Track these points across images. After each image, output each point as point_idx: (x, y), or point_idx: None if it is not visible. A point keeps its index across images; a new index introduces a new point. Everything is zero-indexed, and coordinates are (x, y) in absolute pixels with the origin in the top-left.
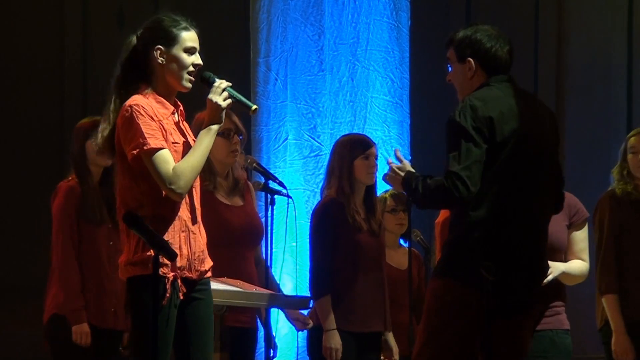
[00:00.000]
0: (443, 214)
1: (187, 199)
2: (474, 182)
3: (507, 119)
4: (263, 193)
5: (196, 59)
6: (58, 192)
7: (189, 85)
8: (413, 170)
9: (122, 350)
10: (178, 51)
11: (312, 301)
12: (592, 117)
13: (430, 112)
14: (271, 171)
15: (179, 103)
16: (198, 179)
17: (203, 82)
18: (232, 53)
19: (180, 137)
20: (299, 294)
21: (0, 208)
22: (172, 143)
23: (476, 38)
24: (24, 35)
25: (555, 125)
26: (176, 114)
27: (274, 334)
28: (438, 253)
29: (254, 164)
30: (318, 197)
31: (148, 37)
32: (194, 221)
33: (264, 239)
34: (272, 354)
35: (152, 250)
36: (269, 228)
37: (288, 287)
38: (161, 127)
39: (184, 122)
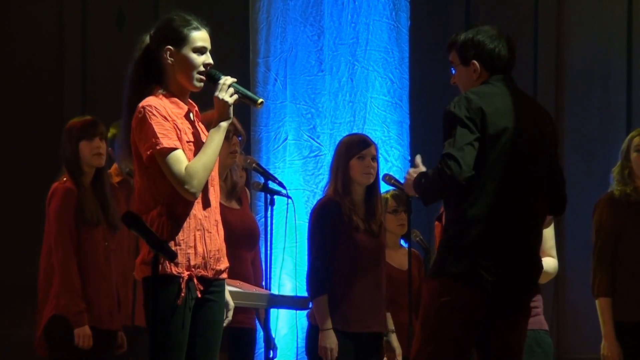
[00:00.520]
0: (424, 206)
1: (202, 197)
2: (466, 162)
3: (500, 115)
4: (263, 193)
5: (207, 58)
6: (55, 194)
7: (200, 84)
8: (423, 169)
9: (115, 349)
10: (188, 51)
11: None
12: (591, 117)
13: (429, 112)
14: (271, 171)
15: (194, 104)
16: (217, 179)
17: (208, 80)
18: (231, 53)
19: (195, 136)
20: (298, 294)
21: (0, 208)
22: (187, 142)
23: (478, 40)
24: (24, 36)
25: (553, 127)
26: (191, 114)
27: (274, 335)
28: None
29: (254, 165)
30: (318, 198)
31: (159, 37)
32: (210, 220)
33: (263, 239)
34: (271, 355)
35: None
36: (269, 228)
37: (287, 288)
38: (175, 126)
39: (200, 123)
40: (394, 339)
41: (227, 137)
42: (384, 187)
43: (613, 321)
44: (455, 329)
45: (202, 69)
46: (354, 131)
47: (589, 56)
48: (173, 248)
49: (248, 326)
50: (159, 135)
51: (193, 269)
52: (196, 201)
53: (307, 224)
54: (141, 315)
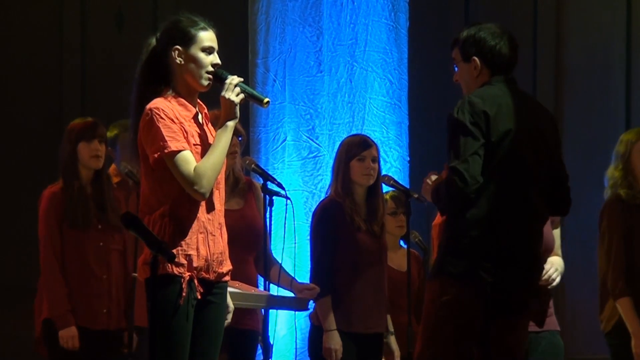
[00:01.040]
0: (440, 216)
1: (209, 199)
2: (472, 174)
3: (503, 117)
4: (262, 194)
5: (214, 58)
6: (42, 198)
7: (208, 84)
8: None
9: (125, 350)
10: (196, 51)
11: (311, 302)
12: (590, 117)
13: (428, 113)
14: (269, 172)
15: (203, 105)
16: (223, 182)
17: (215, 79)
18: (230, 54)
19: (203, 139)
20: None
21: (0, 209)
22: (194, 145)
23: (480, 37)
24: (23, 36)
25: (555, 127)
26: (200, 116)
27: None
28: (435, 254)
29: (253, 165)
30: (317, 199)
31: (166, 38)
32: (214, 223)
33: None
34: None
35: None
36: (268, 229)
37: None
38: (182, 129)
39: (209, 125)
40: (392, 341)
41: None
42: (383, 188)
43: (638, 318)
44: (456, 328)
45: (210, 68)
46: (353, 132)
47: (588, 56)
48: (175, 249)
49: (249, 327)
50: (166, 138)
51: (195, 271)
52: (200, 204)
53: (306, 224)
54: (142, 316)
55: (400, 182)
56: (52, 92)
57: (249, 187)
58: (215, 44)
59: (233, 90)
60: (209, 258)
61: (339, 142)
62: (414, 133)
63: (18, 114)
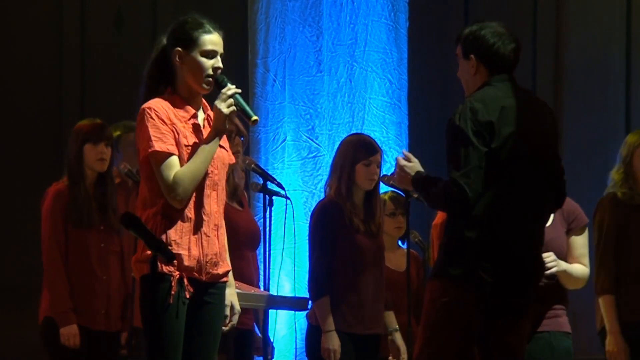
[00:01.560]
0: (440, 216)
1: (201, 200)
2: (473, 188)
3: (505, 121)
4: (261, 194)
5: (216, 62)
6: (47, 196)
7: (208, 87)
8: (422, 170)
9: (122, 351)
10: (196, 54)
11: (310, 302)
12: (590, 117)
13: (428, 113)
14: (269, 172)
15: (208, 106)
16: (222, 184)
17: (215, 84)
18: (230, 54)
19: (197, 140)
20: (297, 295)
21: (0, 209)
22: (185, 146)
23: (480, 35)
24: (23, 36)
25: (554, 122)
26: (201, 117)
27: (272, 336)
28: (435, 255)
29: (252, 165)
30: (316, 198)
31: (170, 38)
32: (209, 224)
33: (262, 240)
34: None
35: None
36: (267, 229)
37: (286, 288)
38: (174, 130)
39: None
40: (398, 338)
41: (230, 138)
42: (382, 188)
43: (617, 318)
44: (456, 329)
45: (210, 72)
46: (352, 132)
47: (588, 55)
48: None
49: (248, 327)
50: (152, 138)
51: (185, 271)
52: (195, 204)
53: (306, 224)
54: (139, 315)
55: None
56: (51, 92)
57: (242, 193)
58: (218, 47)
59: (226, 100)
60: (202, 259)
61: (340, 141)
62: (414, 133)
63: (18, 113)
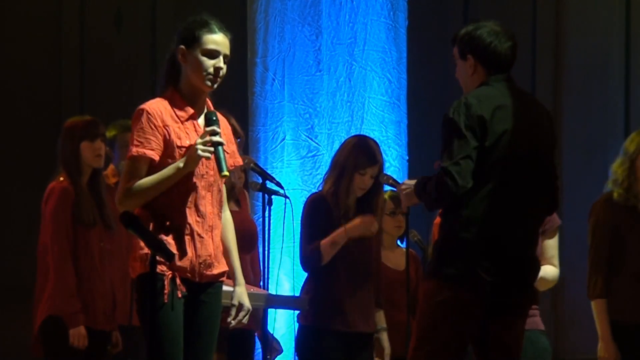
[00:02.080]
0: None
1: (196, 202)
2: (463, 176)
3: (500, 119)
4: (260, 193)
5: (217, 62)
6: (52, 194)
7: (210, 84)
8: (416, 180)
9: (110, 349)
10: (197, 53)
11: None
12: (589, 117)
13: (427, 112)
14: (268, 171)
15: (211, 106)
16: (218, 186)
17: (204, 118)
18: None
19: (194, 141)
20: (296, 294)
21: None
22: (178, 147)
23: (476, 34)
24: (22, 35)
25: (551, 126)
26: (200, 118)
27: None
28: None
29: (251, 164)
30: None
31: (177, 36)
32: (203, 225)
33: (261, 239)
34: (271, 357)
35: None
36: (266, 228)
37: (285, 288)
38: (166, 132)
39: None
40: (384, 338)
41: None
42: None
43: (609, 322)
44: (451, 328)
45: (210, 71)
46: (352, 131)
47: (587, 56)
48: None
49: (247, 328)
50: (135, 142)
51: (178, 271)
52: (190, 205)
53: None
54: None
55: (400, 181)
56: (51, 92)
57: (242, 192)
58: (222, 48)
59: (206, 145)
60: (195, 260)
61: (346, 139)
62: (413, 132)
63: (17, 113)
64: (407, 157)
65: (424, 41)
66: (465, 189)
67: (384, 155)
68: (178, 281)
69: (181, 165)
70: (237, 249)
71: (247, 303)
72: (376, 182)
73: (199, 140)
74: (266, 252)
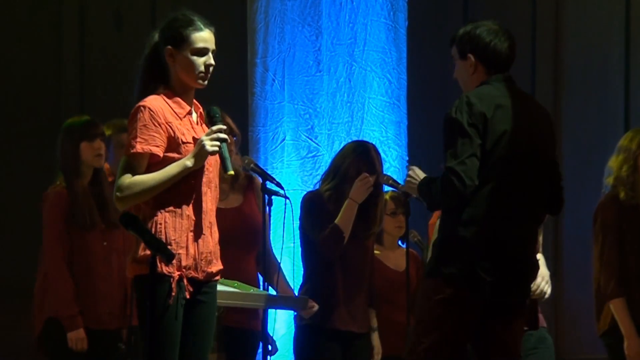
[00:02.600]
0: (436, 215)
1: (199, 198)
2: (469, 175)
3: (501, 118)
4: (261, 194)
5: (208, 59)
6: (46, 200)
7: (203, 83)
8: (425, 175)
9: (121, 346)
10: (187, 53)
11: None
12: (589, 117)
13: (427, 112)
14: (268, 172)
15: (199, 105)
16: (216, 181)
17: (207, 116)
18: (229, 53)
19: (194, 138)
20: (296, 295)
21: (0, 209)
22: (183, 143)
23: (475, 34)
24: (22, 36)
25: (551, 127)
26: (195, 115)
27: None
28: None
29: (252, 165)
30: None
31: (162, 36)
32: (204, 222)
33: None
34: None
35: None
36: (267, 229)
37: None
38: (170, 129)
39: (204, 125)
40: (375, 337)
41: None
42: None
43: (632, 320)
44: (449, 327)
45: (202, 69)
46: (352, 132)
47: (587, 56)
48: None
49: (248, 327)
50: (138, 138)
51: (184, 270)
52: (192, 202)
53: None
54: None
55: (400, 181)
56: (51, 92)
57: (249, 183)
58: (209, 44)
59: (213, 141)
60: (197, 257)
61: (347, 143)
62: (413, 133)
63: (17, 114)
64: (407, 158)
65: (424, 42)
66: (472, 188)
67: (384, 156)
68: (185, 282)
69: (188, 162)
70: (239, 247)
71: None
72: (376, 188)
73: (206, 137)
74: (268, 251)
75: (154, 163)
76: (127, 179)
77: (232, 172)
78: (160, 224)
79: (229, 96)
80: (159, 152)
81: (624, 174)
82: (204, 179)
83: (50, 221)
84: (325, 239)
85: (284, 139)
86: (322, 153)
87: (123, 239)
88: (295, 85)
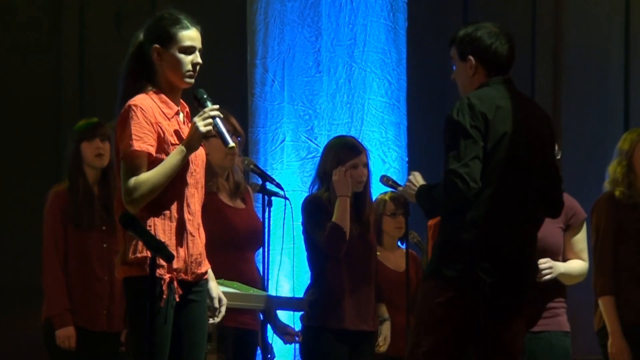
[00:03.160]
0: (427, 218)
1: (187, 200)
2: (473, 178)
3: (500, 120)
4: (260, 195)
5: (195, 57)
6: (48, 199)
7: (190, 81)
8: (424, 182)
9: (123, 349)
10: (174, 51)
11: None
12: (589, 117)
13: (427, 113)
14: (268, 173)
15: (185, 105)
16: (202, 182)
17: (194, 100)
18: (229, 54)
19: (182, 138)
20: (296, 296)
21: (0, 209)
22: (172, 144)
23: (476, 36)
24: (22, 36)
25: (551, 129)
26: (181, 115)
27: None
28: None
29: (251, 166)
30: None
31: (148, 35)
32: (193, 223)
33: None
34: (269, 356)
35: (149, 252)
36: (266, 230)
37: (285, 289)
38: (160, 129)
39: (190, 124)
40: (385, 327)
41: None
42: (382, 189)
43: (618, 318)
44: (450, 328)
45: (189, 67)
46: (352, 132)
47: (586, 56)
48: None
49: (248, 327)
50: (134, 137)
51: (175, 272)
52: (179, 204)
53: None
54: None
55: (399, 182)
56: (50, 93)
57: (246, 189)
58: (196, 43)
59: (205, 119)
60: (188, 260)
61: (323, 147)
62: (413, 133)
63: (17, 115)
64: (406, 159)
65: (423, 42)
66: (476, 191)
67: (383, 157)
68: (175, 284)
69: (185, 148)
70: (245, 246)
71: (223, 297)
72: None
73: (197, 118)
74: (266, 253)
75: (148, 163)
76: (133, 181)
77: (233, 145)
78: (150, 226)
79: (229, 97)
80: (154, 151)
81: (619, 174)
82: (191, 181)
83: (48, 218)
84: (327, 238)
85: (283, 140)
86: None
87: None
88: (295, 86)
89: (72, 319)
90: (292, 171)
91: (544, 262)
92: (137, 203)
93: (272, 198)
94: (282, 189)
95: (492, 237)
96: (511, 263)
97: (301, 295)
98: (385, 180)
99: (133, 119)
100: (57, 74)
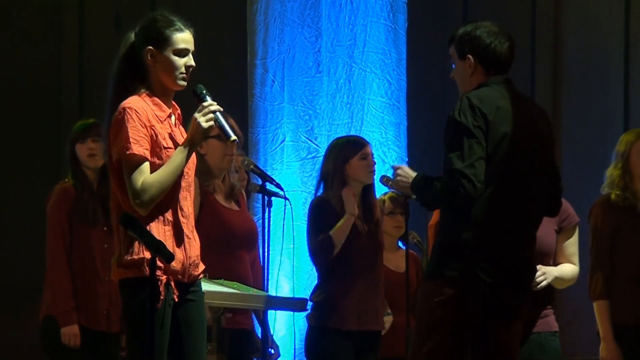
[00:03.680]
0: (436, 217)
1: (180, 203)
2: (479, 178)
3: (500, 121)
4: (260, 195)
5: (188, 60)
6: (52, 195)
7: (183, 83)
8: (416, 173)
9: (122, 354)
10: (169, 53)
11: (309, 301)
12: (588, 119)
13: (427, 114)
14: (268, 173)
15: (177, 107)
16: (193, 185)
17: (193, 96)
18: (229, 55)
19: (175, 142)
20: (295, 296)
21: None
22: (165, 148)
23: (475, 34)
24: (22, 37)
25: (550, 128)
26: (173, 117)
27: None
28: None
29: (251, 166)
30: None
31: (141, 37)
32: (188, 226)
33: (260, 241)
34: (272, 353)
35: (147, 253)
36: (266, 230)
37: (285, 289)
38: (153, 132)
39: (181, 126)
40: (387, 320)
41: (223, 139)
42: (382, 189)
43: (611, 323)
44: (450, 329)
45: (183, 70)
46: (352, 133)
47: (586, 57)
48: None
49: (247, 327)
50: (131, 140)
51: (172, 274)
52: (173, 208)
53: (305, 225)
54: None
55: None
56: (50, 93)
57: (240, 193)
58: (190, 45)
59: (206, 115)
60: (186, 262)
61: (325, 149)
62: (413, 134)
63: (17, 115)
64: (406, 159)
65: (423, 43)
66: (481, 191)
67: (383, 157)
68: (172, 285)
69: (187, 145)
70: (240, 247)
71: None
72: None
73: (197, 114)
74: (266, 253)
75: None
76: (140, 183)
77: (235, 138)
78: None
79: (229, 97)
80: (148, 155)
81: (616, 176)
82: (184, 184)
83: (52, 215)
84: (315, 246)
85: (283, 140)
86: (321, 154)
87: None
88: (295, 87)
89: (77, 317)
90: (292, 171)
91: (538, 271)
92: (147, 205)
93: (272, 198)
94: (282, 189)
95: (492, 237)
96: (511, 263)
97: (301, 296)
98: (385, 180)
99: (129, 121)
100: (57, 74)
